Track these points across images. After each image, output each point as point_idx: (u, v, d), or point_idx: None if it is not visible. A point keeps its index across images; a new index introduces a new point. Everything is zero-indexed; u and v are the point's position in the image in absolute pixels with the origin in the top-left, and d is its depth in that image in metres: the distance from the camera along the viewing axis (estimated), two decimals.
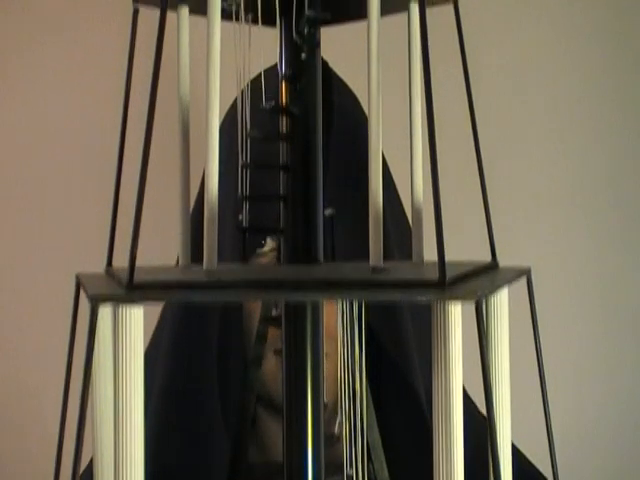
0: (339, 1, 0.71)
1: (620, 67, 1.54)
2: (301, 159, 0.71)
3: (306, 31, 0.69)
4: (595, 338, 1.53)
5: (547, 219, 1.53)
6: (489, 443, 0.51)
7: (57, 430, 0.68)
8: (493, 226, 0.74)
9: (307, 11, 0.68)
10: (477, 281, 0.60)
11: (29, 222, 1.50)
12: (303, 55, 0.70)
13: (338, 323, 0.76)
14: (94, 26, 1.51)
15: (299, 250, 0.72)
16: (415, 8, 0.71)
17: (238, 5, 0.69)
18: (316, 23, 0.70)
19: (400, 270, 0.64)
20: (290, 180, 0.72)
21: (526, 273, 0.70)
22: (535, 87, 1.52)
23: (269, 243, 0.91)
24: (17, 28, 1.52)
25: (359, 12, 0.75)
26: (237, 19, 0.70)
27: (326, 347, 0.83)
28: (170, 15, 0.65)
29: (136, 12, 0.72)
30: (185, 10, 0.72)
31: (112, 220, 0.73)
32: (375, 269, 0.61)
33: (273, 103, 0.69)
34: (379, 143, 0.61)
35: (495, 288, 0.59)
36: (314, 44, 0.70)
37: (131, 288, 0.56)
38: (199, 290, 0.55)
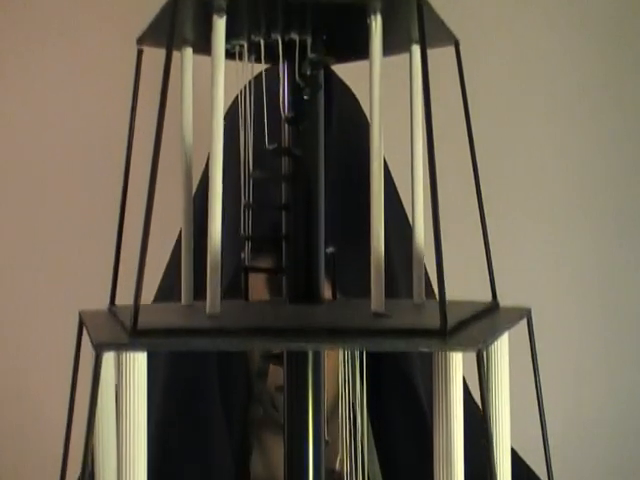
0: (342, 43, 0.72)
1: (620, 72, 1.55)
2: (302, 199, 0.72)
3: (309, 73, 0.70)
4: (595, 340, 1.53)
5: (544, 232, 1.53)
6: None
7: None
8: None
9: (310, 54, 0.69)
10: (478, 327, 0.60)
11: (31, 248, 1.50)
12: (306, 96, 0.71)
13: (339, 360, 0.77)
14: (94, 26, 1.51)
15: (301, 289, 0.73)
16: (417, 50, 0.71)
17: (242, 47, 0.70)
18: (319, 66, 0.70)
19: (401, 314, 0.64)
20: (291, 219, 0.73)
21: (526, 314, 0.70)
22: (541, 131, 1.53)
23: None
24: (18, 28, 1.51)
25: (362, 53, 0.76)
26: (240, 59, 0.71)
27: None
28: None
29: (140, 52, 0.73)
30: (189, 51, 0.72)
31: (115, 258, 0.74)
32: (376, 314, 0.61)
33: (275, 145, 0.70)
34: (381, 190, 0.62)
35: (496, 335, 0.59)
36: (317, 86, 0.71)
37: (135, 334, 0.56)
38: (203, 337, 0.56)
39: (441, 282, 0.57)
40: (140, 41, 0.72)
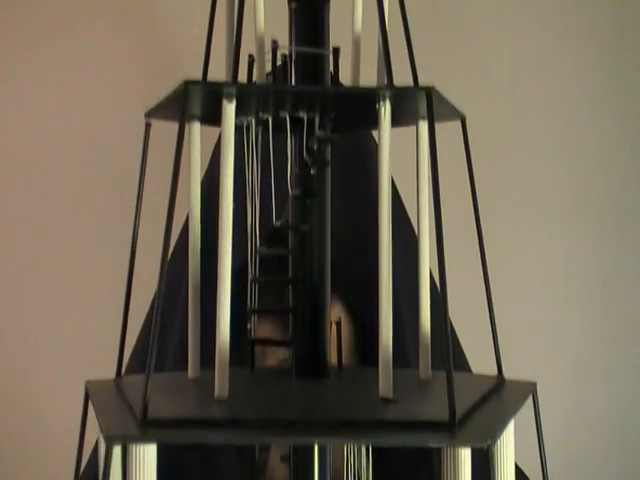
0: (349, 120, 0.72)
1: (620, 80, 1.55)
2: (309, 272, 0.72)
3: (316, 147, 0.70)
4: (594, 342, 1.53)
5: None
6: None
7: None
8: None
9: (317, 131, 0.69)
10: (486, 414, 0.61)
11: (30, 249, 1.49)
12: (313, 172, 0.71)
13: None
14: (95, 25, 1.50)
15: (307, 361, 0.73)
16: (424, 125, 0.72)
17: (250, 122, 0.70)
18: (326, 142, 0.70)
19: (409, 397, 0.65)
20: (298, 292, 0.73)
21: (532, 390, 0.71)
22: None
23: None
24: (19, 29, 1.51)
25: (370, 125, 0.76)
26: (248, 132, 0.71)
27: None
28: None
29: (148, 126, 0.73)
30: (197, 126, 0.73)
31: (122, 330, 0.74)
32: (384, 399, 0.62)
33: (283, 220, 0.70)
34: (389, 276, 0.62)
35: (504, 424, 0.60)
36: (324, 163, 0.71)
37: (145, 425, 0.56)
38: (213, 431, 0.56)
39: (450, 375, 0.57)
40: (148, 115, 0.72)
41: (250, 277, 0.71)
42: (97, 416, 0.62)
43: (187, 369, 0.73)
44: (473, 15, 1.48)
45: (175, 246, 0.93)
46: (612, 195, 1.54)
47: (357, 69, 0.65)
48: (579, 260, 1.53)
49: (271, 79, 0.70)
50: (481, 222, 0.75)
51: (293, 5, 0.73)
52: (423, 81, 0.66)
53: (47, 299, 1.47)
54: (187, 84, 0.60)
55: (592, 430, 1.51)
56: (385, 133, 0.63)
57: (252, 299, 0.72)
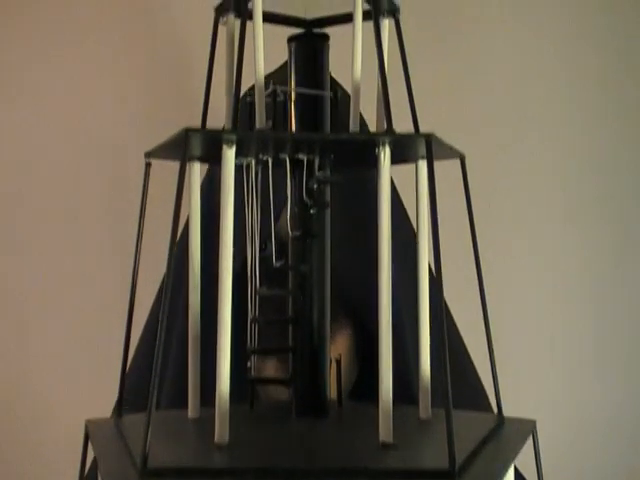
0: (349, 162, 0.72)
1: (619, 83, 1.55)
2: (309, 312, 0.72)
3: (315, 188, 0.70)
4: (592, 342, 1.53)
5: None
6: None
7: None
8: None
9: (317, 173, 0.69)
10: (486, 460, 0.61)
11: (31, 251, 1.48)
12: (312, 211, 0.71)
13: None
14: (94, 26, 1.49)
15: (307, 399, 0.73)
16: (423, 165, 0.72)
17: (249, 163, 0.70)
18: (326, 184, 0.71)
19: (408, 441, 0.65)
20: (298, 333, 0.73)
21: (531, 430, 0.71)
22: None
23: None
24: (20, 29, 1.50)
25: (369, 166, 0.76)
26: (247, 172, 0.72)
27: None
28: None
29: (148, 166, 0.73)
30: (197, 166, 0.73)
31: (122, 370, 0.74)
32: (384, 444, 0.62)
33: (283, 262, 0.70)
34: (389, 329, 0.62)
35: (504, 471, 0.60)
36: (324, 204, 0.71)
37: (145, 475, 0.56)
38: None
39: (449, 421, 0.57)
40: (148, 155, 0.72)
41: (250, 318, 0.71)
42: (97, 462, 0.62)
43: (185, 403, 0.73)
44: (474, 15, 1.48)
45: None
46: (608, 197, 1.54)
47: (356, 114, 0.65)
48: (575, 261, 1.53)
49: (271, 122, 0.70)
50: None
51: (293, 45, 0.73)
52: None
53: (47, 302, 1.46)
54: (187, 132, 0.60)
55: (587, 428, 1.51)
56: (385, 177, 0.63)
57: (252, 338, 0.72)
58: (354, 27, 0.66)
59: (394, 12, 0.72)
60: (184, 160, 0.61)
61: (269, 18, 0.72)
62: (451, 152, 0.71)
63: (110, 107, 1.44)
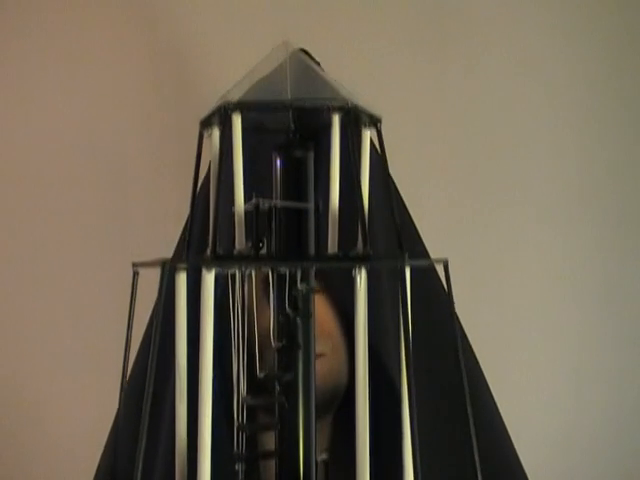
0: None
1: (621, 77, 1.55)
2: (294, 420, 0.73)
3: (299, 300, 0.71)
4: (596, 341, 1.53)
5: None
6: None
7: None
8: None
9: (299, 284, 0.70)
10: None
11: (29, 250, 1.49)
12: (297, 322, 0.72)
13: None
14: (95, 26, 1.51)
15: None
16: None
17: (233, 274, 0.72)
18: (308, 295, 0.72)
19: None
20: (284, 438, 0.74)
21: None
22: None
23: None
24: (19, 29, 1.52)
25: None
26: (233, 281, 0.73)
27: (321, 347, 0.89)
28: None
29: (136, 274, 0.74)
30: (183, 276, 0.74)
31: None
32: None
33: (267, 373, 0.71)
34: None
35: None
36: (307, 314, 0.72)
37: None
38: None
39: None
40: (135, 265, 0.73)
41: (236, 425, 0.72)
42: None
43: None
44: (474, 13, 1.48)
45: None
46: (614, 194, 1.54)
47: (335, 236, 0.66)
48: (580, 260, 1.53)
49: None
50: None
51: (277, 155, 0.74)
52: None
53: (47, 302, 1.48)
54: (164, 265, 0.61)
55: (592, 431, 1.51)
56: (361, 300, 0.64)
57: (240, 445, 0.73)
58: (332, 148, 0.67)
59: (376, 123, 0.73)
60: (161, 294, 0.62)
61: (255, 128, 0.74)
62: (435, 260, 0.72)
63: (110, 107, 1.45)
